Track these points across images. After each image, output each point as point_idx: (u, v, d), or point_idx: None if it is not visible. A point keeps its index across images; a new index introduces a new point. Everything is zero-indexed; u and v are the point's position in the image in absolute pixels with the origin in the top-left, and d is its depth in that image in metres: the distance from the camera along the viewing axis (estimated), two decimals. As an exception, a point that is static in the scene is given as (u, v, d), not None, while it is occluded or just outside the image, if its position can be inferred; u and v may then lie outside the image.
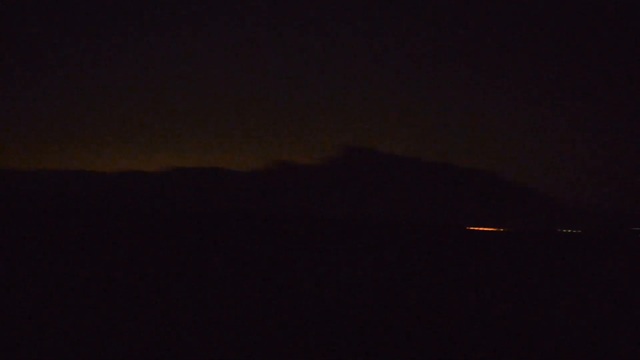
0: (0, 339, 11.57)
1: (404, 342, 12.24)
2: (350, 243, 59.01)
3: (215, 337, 12.30)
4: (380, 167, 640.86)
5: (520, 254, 52.59)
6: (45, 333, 12.09)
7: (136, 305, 15.48)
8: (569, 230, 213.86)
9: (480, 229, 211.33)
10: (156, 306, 15.51)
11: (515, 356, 11.50)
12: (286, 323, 13.94)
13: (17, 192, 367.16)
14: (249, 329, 13.20)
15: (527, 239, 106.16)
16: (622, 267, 39.56)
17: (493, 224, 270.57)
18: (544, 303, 19.09)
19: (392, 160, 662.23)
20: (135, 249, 34.35)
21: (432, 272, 28.62)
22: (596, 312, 17.76)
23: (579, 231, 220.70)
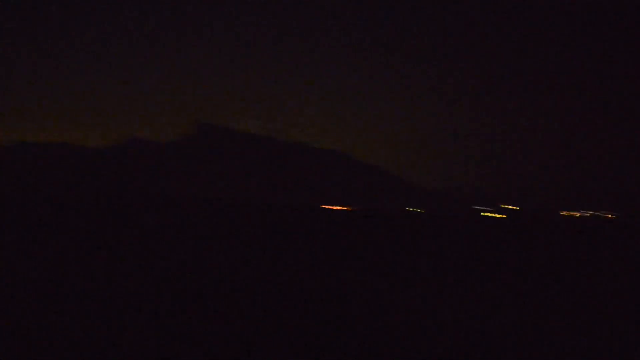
0: None
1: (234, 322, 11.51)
2: (203, 222, 57.64)
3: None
4: (234, 145, 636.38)
5: (372, 231, 54.15)
6: None
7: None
8: (417, 210, 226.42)
9: (334, 207, 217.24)
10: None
11: (360, 335, 11.20)
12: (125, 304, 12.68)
13: None
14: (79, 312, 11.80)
15: (377, 218, 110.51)
16: (465, 243, 41.92)
17: (345, 203, 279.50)
18: (390, 276, 19.32)
19: (246, 139, 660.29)
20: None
21: (285, 253, 28.32)
22: (438, 284, 18.22)
23: (423, 211, 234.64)
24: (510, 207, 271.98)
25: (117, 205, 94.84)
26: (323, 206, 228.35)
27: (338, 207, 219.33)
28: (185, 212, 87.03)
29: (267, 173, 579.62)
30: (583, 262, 30.09)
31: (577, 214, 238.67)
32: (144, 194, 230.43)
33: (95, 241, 29.19)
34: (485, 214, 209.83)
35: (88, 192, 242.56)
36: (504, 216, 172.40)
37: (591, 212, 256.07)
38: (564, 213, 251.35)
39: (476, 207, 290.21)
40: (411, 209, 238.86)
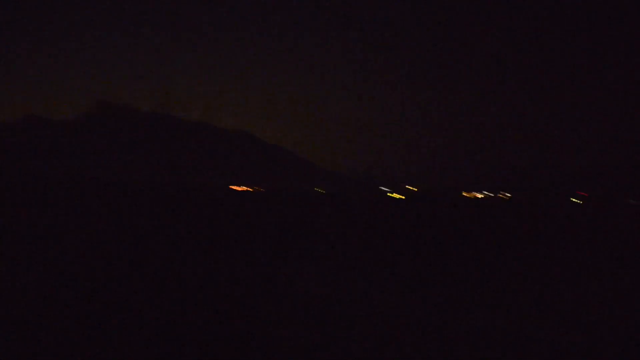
0: None
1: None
2: (105, 203, 55.70)
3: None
4: (135, 125, 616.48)
5: (281, 211, 54.21)
6: None
7: None
8: (322, 191, 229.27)
9: (241, 188, 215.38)
10: None
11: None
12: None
13: None
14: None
15: (286, 198, 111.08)
16: (374, 222, 42.80)
17: (252, 183, 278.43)
18: (298, 257, 19.34)
19: (148, 118, 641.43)
20: None
21: (191, 235, 27.79)
22: (340, 262, 18.42)
23: (334, 191, 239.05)
24: (412, 188, 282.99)
25: (19, 182, 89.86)
26: (231, 187, 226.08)
27: (244, 188, 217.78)
28: (83, 193, 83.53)
29: (169, 152, 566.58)
30: (479, 235, 31.41)
31: (479, 195, 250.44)
32: (38, 173, 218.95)
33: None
34: (391, 195, 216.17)
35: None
36: (403, 197, 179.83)
37: (487, 193, 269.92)
38: (465, 194, 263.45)
39: (383, 187, 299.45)
40: (319, 190, 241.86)
